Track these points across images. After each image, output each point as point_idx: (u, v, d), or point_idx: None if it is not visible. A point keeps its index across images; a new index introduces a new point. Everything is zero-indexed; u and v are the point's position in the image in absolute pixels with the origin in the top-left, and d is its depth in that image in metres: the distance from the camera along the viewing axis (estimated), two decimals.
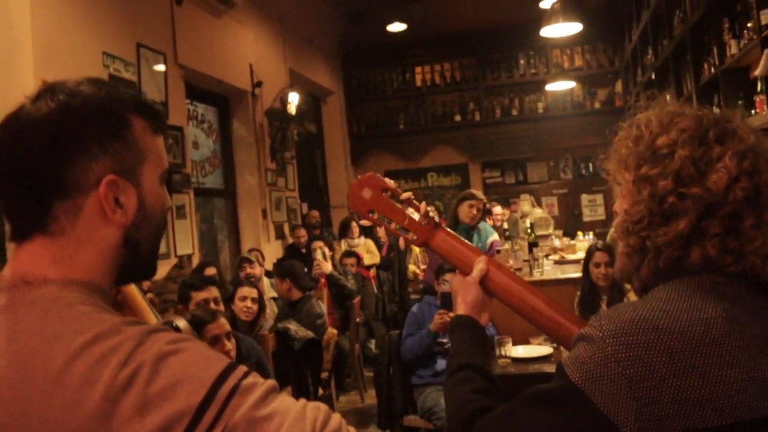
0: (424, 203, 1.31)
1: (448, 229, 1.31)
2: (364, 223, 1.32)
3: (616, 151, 1.04)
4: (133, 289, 1.01)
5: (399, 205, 1.30)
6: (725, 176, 0.92)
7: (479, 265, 1.24)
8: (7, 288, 0.78)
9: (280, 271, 4.66)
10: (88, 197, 0.80)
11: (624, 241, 1.01)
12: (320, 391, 4.25)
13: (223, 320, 2.55)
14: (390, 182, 1.31)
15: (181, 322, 1.04)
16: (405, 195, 1.30)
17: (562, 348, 3.37)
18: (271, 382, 0.76)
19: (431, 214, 1.30)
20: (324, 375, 4.32)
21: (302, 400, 0.76)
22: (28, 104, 0.81)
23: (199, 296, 3.15)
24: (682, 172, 0.94)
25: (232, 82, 6.28)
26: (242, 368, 0.75)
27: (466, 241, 1.31)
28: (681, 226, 0.93)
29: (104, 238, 0.82)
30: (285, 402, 0.74)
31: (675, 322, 0.87)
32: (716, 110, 1.05)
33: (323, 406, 0.76)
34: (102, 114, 0.81)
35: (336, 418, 0.76)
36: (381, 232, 7.09)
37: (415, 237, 1.29)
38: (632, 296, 3.45)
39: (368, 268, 6.36)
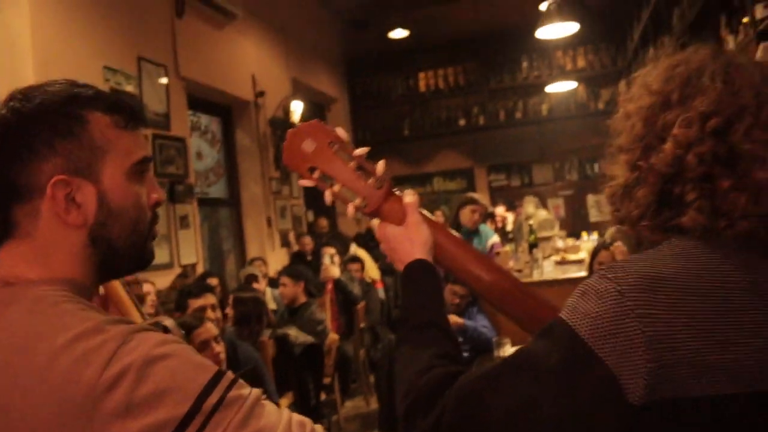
0: (381, 162, 1.08)
1: None
2: (303, 183, 1.08)
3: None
4: (116, 285, 1.01)
5: (349, 164, 1.07)
6: (672, 146, 0.86)
7: (408, 198, 1.08)
8: None
9: (295, 273, 4.68)
10: (43, 199, 0.81)
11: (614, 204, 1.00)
12: (323, 396, 4.27)
13: (210, 324, 2.57)
14: (341, 132, 1.08)
15: (169, 322, 1.06)
16: (358, 151, 1.06)
17: None
18: (257, 392, 0.76)
19: (385, 179, 1.07)
20: (326, 380, 4.33)
21: (287, 412, 0.77)
22: None
23: (196, 303, 3.17)
24: (643, 141, 0.91)
25: (234, 93, 6.33)
26: (228, 377, 0.75)
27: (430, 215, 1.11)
28: (641, 194, 0.90)
29: (69, 240, 0.82)
30: (271, 417, 0.74)
31: (697, 282, 0.81)
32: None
33: (307, 421, 0.77)
34: (52, 115, 0.82)
35: (319, 430, 0.78)
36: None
37: (365, 204, 1.07)
38: None
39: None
